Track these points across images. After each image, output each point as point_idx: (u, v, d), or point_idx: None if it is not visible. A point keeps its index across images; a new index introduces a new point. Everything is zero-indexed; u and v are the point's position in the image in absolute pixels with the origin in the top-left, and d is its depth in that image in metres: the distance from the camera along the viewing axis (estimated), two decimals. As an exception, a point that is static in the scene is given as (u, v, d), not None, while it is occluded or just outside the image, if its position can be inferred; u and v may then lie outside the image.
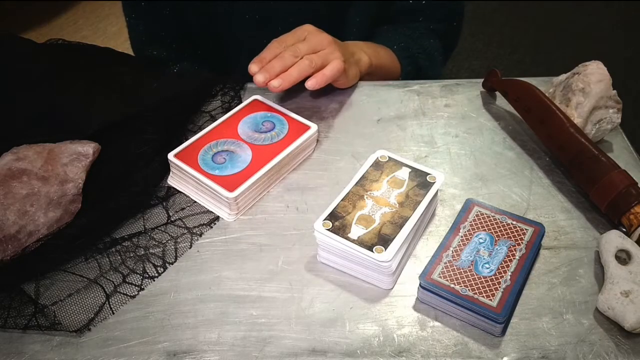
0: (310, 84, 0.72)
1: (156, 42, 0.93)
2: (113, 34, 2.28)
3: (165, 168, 0.70)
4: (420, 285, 0.58)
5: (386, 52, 0.91)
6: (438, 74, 0.99)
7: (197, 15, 0.90)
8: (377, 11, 0.93)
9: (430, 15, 0.95)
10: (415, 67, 0.93)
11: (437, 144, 0.75)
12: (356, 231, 0.59)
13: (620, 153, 0.73)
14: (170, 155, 0.68)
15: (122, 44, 0.95)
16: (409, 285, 0.60)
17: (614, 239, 0.60)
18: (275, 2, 0.88)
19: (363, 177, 0.64)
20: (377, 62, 0.87)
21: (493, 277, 0.57)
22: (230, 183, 0.65)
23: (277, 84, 0.70)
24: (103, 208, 0.64)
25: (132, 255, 0.62)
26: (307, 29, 0.77)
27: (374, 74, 0.87)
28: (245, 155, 0.69)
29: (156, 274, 0.61)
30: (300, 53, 0.73)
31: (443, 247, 0.60)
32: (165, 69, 0.95)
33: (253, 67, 0.72)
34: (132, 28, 0.94)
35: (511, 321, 0.56)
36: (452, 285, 0.56)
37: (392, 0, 0.93)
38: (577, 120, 0.71)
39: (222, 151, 0.69)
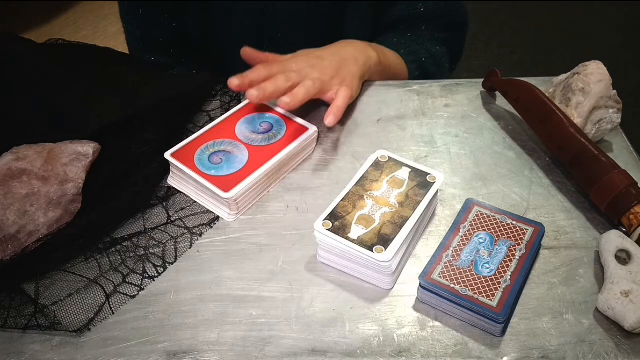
0: (329, 121, 0.71)
1: (154, 48, 0.93)
2: (113, 34, 2.28)
3: (165, 168, 0.70)
4: (420, 285, 0.58)
5: (393, 54, 0.90)
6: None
7: (196, 20, 0.90)
8: (375, 12, 0.93)
9: (431, 23, 0.94)
10: (423, 72, 0.92)
11: (437, 144, 0.75)
12: (356, 231, 0.59)
13: (620, 153, 0.73)
14: (168, 154, 0.68)
15: (122, 44, 0.95)
16: (409, 285, 0.60)
17: (614, 239, 0.60)
18: (272, 4, 0.88)
19: (363, 177, 0.64)
20: (385, 60, 0.86)
21: (493, 277, 0.57)
22: (226, 183, 0.65)
23: (288, 99, 0.69)
24: (103, 208, 0.64)
25: (132, 255, 0.62)
26: (297, 62, 0.76)
27: (382, 74, 0.86)
28: (242, 156, 0.69)
29: (156, 274, 0.61)
30: (293, 80, 0.72)
31: (443, 247, 0.60)
32: (164, 71, 0.95)
33: (234, 81, 0.71)
34: (129, 34, 0.93)
35: (511, 321, 0.57)
36: (452, 285, 0.56)
37: (390, 0, 0.93)
38: (577, 120, 0.71)
39: (219, 151, 0.69)
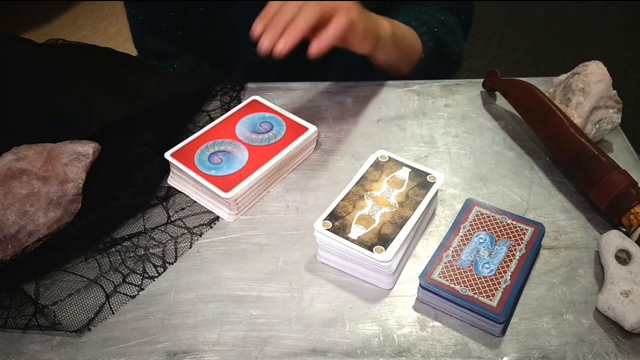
0: (312, 51, 0.66)
1: (156, 35, 0.93)
2: (113, 34, 2.28)
3: (165, 168, 0.70)
4: (420, 285, 0.58)
5: (405, 26, 0.85)
6: (461, 49, 0.94)
7: (197, 8, 0.90)
8: (377, 6, 0.92)
9: None
10: (437, 43, 0.88)
11: (437, 144, 0.75)
12: (356, 231, 0.59)
13: (620, 153, 0.73)
14: (168, 155, 0.68)
15: (122, 44, 0.95)
16: (409, 285, 0.60)
17: (614, 239, 0.60)
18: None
19: (363, 177, 0.64)
20: (399, 32, 0.81)
21: (493, 277, 0.57)
22: (226, 183, 0.65)
23: (281, 46, 0.64)
24: (103, 208, 0.64)
25: (132, 255, 0.62)
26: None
27: (397, 47, 0.81)
28: (242, 156, 0.69)
29: (156, 274, 0.61)
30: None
31: (443, 247, 0.60)
32: (166, 63, 0.95)
33: (258, 28, 0.66)
34: (132, 21, 0.93)
35: (511, 321, 0.57)
36: (452, 285, 0.56)
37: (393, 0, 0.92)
38: (577, 120, 0.71)
39: (219, 151, 0.69)
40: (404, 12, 0.90)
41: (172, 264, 0.62)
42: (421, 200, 0.62)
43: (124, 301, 0.59)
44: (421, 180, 0.64)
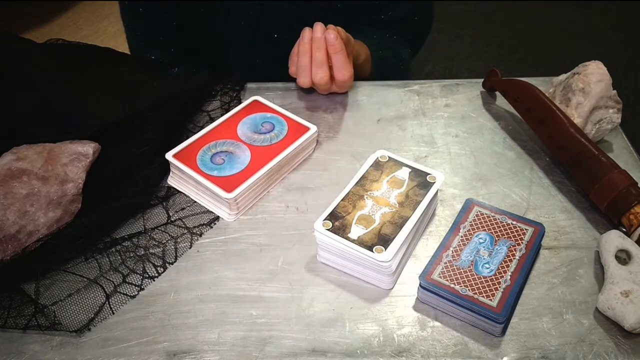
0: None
1: (155, 46, 0.93)
2: (113, 34, 2.28)
3: (165, 168, 0.70)
4: (420, 285, 0.58)
5: (366, 51, 0.91)
6: (407, 61, 1.00)
7: (195, 19, 0.90)
8: (367, 11, 0.93)
9: (404, 25, 0.95)
10: (382, 71, 0.93)
11: (437, 144, 0.75)
12: (356, 231, 0.59)
13: (620, 153, 0.73)
14: (169, 155, 0.68)
15: (122, 44, 0.94)
16: (409, 285, 0.60)
17: (614, 239, 0.60)
18: (265, 3, 0.88)
19: (363, 177, 0.64)
20: (366, 56, 0.89)
21: (493, 277, 0.57)
22: (229, 184, 0.65)
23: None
24: (103, 208, 0.64)
25: (132, 255, 0.62)
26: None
27: (360, 69, 0.87)
28: (244, 156, 0.69)
29: (156, 274, 0.61)
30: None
31: (443, 247, 0.60)
32: (164, 71, 0.95)
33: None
34: (130, 33, 0.93)
35: (511, 321, 0.57)
36: (452, 285, 0.56)
37: (382, 1, 0.93)
38: (577, 120, 0.71)
39: (221, 152, 0.69)
40: (367, 36, 0.93)
41: (172, 264, 0.62)
42: (421, 200, 0.62)
43: (124, 301, 0.59)
44: (421, 180, 0.64)
